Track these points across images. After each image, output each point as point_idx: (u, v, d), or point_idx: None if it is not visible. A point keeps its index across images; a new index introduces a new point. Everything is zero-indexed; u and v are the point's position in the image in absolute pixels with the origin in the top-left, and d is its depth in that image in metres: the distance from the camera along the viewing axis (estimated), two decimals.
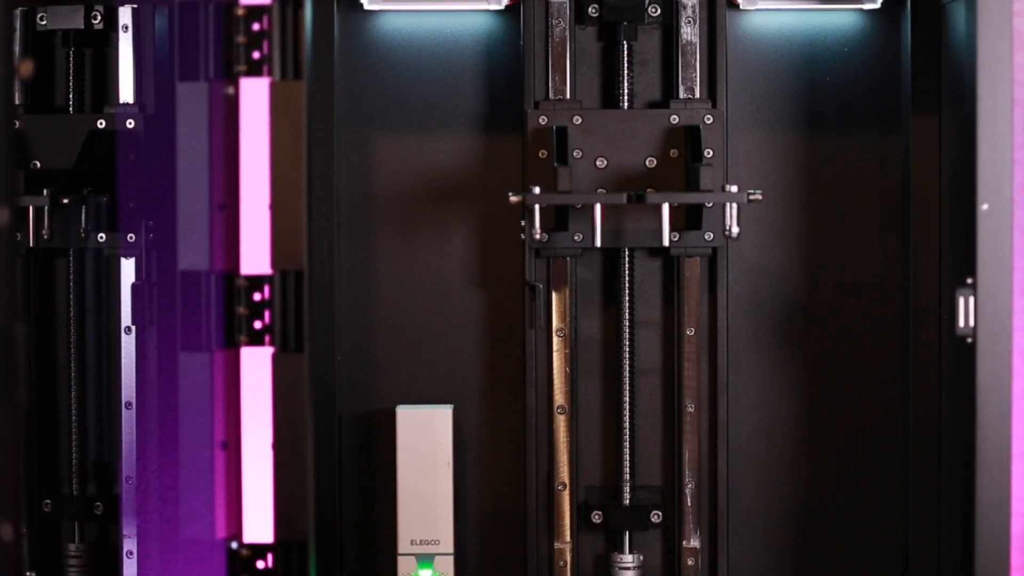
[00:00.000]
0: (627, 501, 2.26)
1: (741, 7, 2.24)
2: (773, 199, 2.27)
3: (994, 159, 1.96)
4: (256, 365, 1.87)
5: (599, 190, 2.21)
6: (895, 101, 2.27)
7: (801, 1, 2.25)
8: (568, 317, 2.24)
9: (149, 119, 2.15)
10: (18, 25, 2.22)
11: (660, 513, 2.26)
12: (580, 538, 2.29)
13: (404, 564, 2.23)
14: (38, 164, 2.21)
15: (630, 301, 2.25)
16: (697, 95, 2.23)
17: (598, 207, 2.10)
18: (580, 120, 2.21)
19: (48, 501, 2.26)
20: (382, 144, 2.30)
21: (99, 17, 2.24)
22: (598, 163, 2.22)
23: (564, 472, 2.25)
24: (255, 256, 1.87)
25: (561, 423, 2.24)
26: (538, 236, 2.13)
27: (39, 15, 2.23)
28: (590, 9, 2.24)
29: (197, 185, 1.89)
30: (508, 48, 2.29)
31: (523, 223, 2.18)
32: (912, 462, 2.25)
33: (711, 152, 2.20)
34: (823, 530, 2.30)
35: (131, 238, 2.13)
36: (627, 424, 2.25)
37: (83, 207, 2.19)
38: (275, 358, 1.87)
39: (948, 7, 2.13)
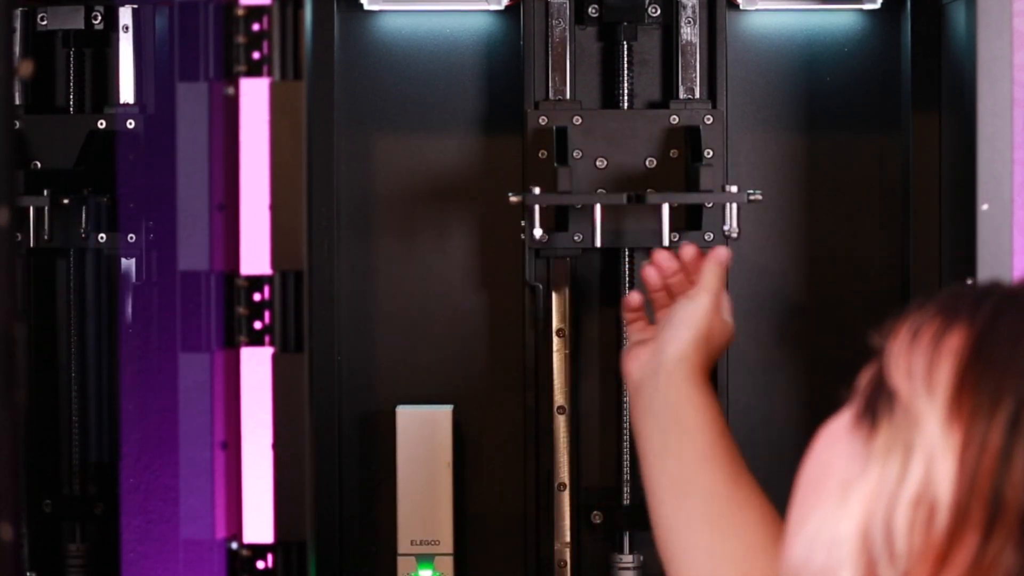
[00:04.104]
0: (627, 501, 2.26)
1: (741, 7, 2.25)
2: (773, 199, 2.27)
3: (994, 159, 1.96)
4: (256, 365, 1.87)
5: (599, 190, 2.21)
6: (895, 101, 2.27)
7: (801, 1, 2.25)
8: (568, 317, 2.24)
9: (149, 119, 2.15)
10: (18, 25, 2.22)
11: None
12: (580, 538, 2.29)
13: (404, 564, 2.23)
14: (38, 164, 2.21)
15: None
16: (697, 95, 2.23)
17: (598, 207, 2.10)
18: (580, 120, 2.21)
19: (48, 501, 2.26)
20: (382, 144, 2.30)
21: (99, 17, 2.24)
22: (598, 163, 2.22)
23: (564, 472, 2.25)
24: (255, 256, 1.87)
25: (561, 423, 2.24)
26: (538, 236, 2.13)
27: (39, 15, 2.23)
28: (590, 9, 2.24)
29: (197, 185, 1.88)
30: (508, 48, 2.29)
31: (523, 223, 2.18)
32: None
33: (711, 152, 2.20)
34: None
35: (131, 238, 2.13)
36: (627, 424, 2.25)
37: (83, 207, 2.19)
38: (275, 358, 1.87)
39: (948, 7, 2.13)
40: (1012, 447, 0.98)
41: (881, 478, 1.01)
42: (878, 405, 1.05)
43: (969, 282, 1.98)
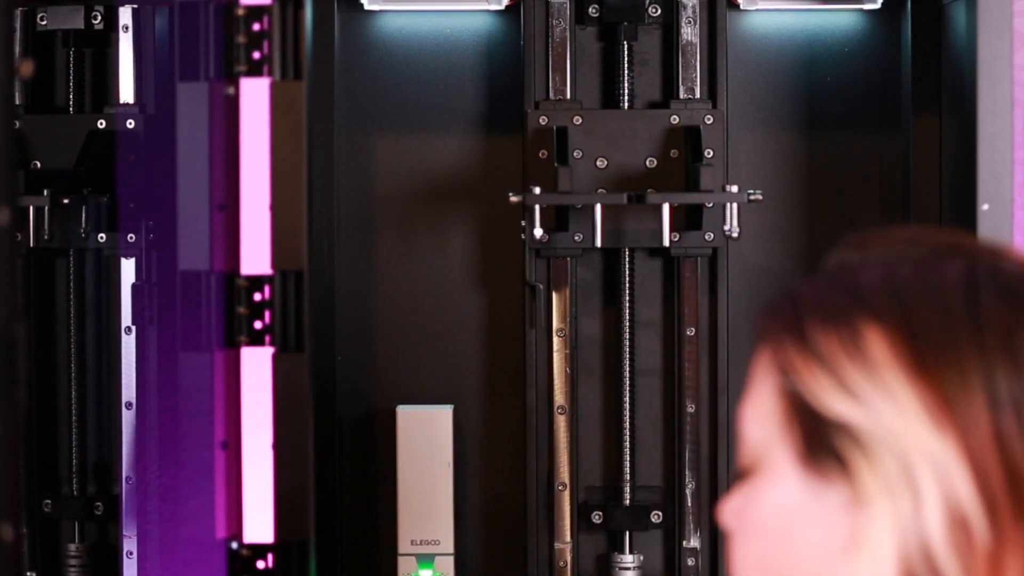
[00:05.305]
0: (627, 501, 2.26)
1: (741, 7, 2.25)
2: (773, 199, 2.27)
3: (994, 159, 1.96)
4: (256, 365, 1.87)
5: (599, 190, 2.21)
6: (895, 101, 2.28)
7: (801, 1, 2.25)
8: (568, 317, 2.24)
9: (149, 119, 2.15)
10: (18, 25, 2.22)
11: (660, 513, 2.26)
12: (580, 538, 2.29)
13: (404, 564, 2.23)
14: (38, 164, 2.21)
15: (630, 301, 2.25)
16: (697, 95, 2.23)
17: (598, 207, 2.10)
18: (580, 120, 2.21)
19: (48, 501, 2.26)
20: (382, 144, 2.30)
21: (99, 17, 2.24)
22: (598, 163, 2.22)
23: (564, 472, 2.25)
24: (255, 256, 1.87)
25: (561, 423, 2.24)
26: (538, 236, 2.13)
27: (39, 15, 2.23)
28: (590, 9, 2.25)
29: (197, 185, 1.89)
30: (508, 48, 2.29)
31: (523, 223, 2.18)
32: None
33: (711, 152, 2.20)
34: None
35: (131, 238, 2.13)
36: (627, 424, 2.25)
37: (83, 207, 2.19)
38: (275, 358, 1.87)
39: (948, 7, 2.13)
40: (1001, 420, 0.93)
41: (896, 515, 0.93)
42: (832, 443, 0.97)
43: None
